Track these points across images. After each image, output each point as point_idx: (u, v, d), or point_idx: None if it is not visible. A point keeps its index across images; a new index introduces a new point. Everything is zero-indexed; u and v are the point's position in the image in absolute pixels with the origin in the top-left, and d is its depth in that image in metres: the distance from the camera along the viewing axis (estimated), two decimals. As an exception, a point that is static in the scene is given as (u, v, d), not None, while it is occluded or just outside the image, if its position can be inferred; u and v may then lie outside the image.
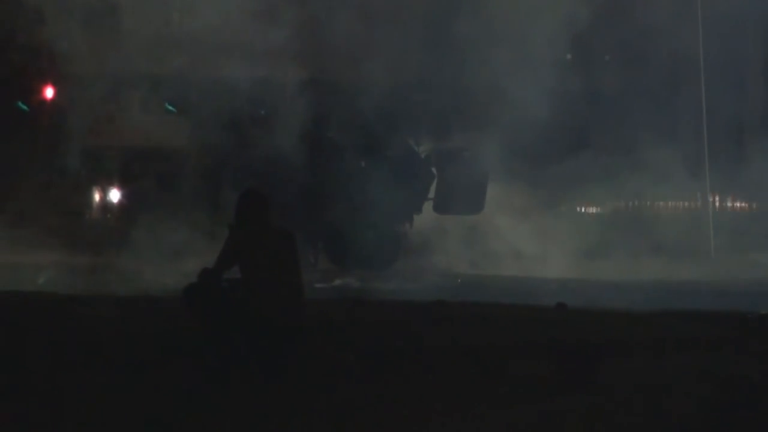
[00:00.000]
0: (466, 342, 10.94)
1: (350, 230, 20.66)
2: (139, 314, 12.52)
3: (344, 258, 21.19)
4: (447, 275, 20.06)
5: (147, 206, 19.99)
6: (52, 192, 20.87)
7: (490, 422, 7.83)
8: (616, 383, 8.96)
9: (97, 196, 21.54)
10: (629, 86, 22.19)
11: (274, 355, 9.62)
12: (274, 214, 10.02)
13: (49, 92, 20.80)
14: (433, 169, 21.73)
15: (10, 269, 17.99)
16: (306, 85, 20.38)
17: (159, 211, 19.40)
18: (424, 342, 10.95)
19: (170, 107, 21.15)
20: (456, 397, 8.51)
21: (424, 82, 20.97)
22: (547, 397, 8.46)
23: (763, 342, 11.08)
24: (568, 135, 21.02)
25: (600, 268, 20.43)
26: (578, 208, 24.37)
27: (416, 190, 21.43)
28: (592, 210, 24.31)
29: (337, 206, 20.56)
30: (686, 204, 23.25)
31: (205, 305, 9.76)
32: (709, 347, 10.73)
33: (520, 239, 21.02)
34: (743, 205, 24.49)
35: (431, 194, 21.66)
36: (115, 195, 21.37)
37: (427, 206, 21.70)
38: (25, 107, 20.92)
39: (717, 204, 24.40)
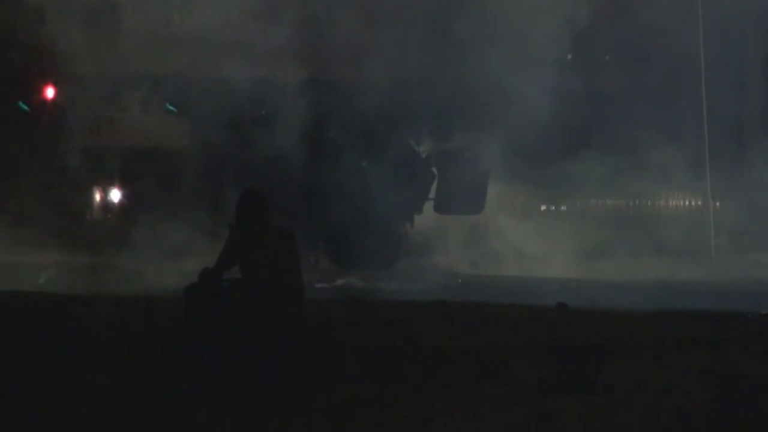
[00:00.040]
0: (466, 342, 10.94)
1: (351, 230, 20.65)
2: (139, 314, 12.52)
3: (345, 258, 21.19)
4: (447, 275, 20.05)
5: (147, 206, 19.98)
6: (53, 192, 20.86)
7: (490, 422, 7.83)
8: (616, 383, 8.96)
9: (97, 196, 21.54)
10: (629, 86, 22.19)
11: (274, 355, 9.62)
12: (274, 214, 10.03)
13: (49, 92, 20.79)
14: (434, 169, 21.72)
15: (11, 269, 17.99)
16: (306, 84, 20.37)
17: (159, 211, 19.40)
18: (424, 342, 10.96)
19: (171, 107, 21.14)
20: (456, 397, 8.51)
21: (424, 81, 20.97)
22: (547, 397, 8.46)
23: (764, 342, 11.08)
24: (568, 135, 21.02)
25: (600, 267, 20.43)
26: (579, 208, 24.37)
27: (417, 190, 21.43)
28: (593, 210, 24.30)
29: (338, 206, 20.55)
30: (686, 203, 23.24)
31: (205, 305, 9.78)
32: (710, 347, 10.73)
33: (521, 239, 21.03)
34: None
35: (432, 194, 21.65)
36: (115, 195, 21.36)
37: (428, 206, 21.68)
38: (25, 107, 20.92)
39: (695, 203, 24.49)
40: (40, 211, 20.39)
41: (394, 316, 12.73)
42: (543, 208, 24.11)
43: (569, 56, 21.49)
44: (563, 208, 24.05)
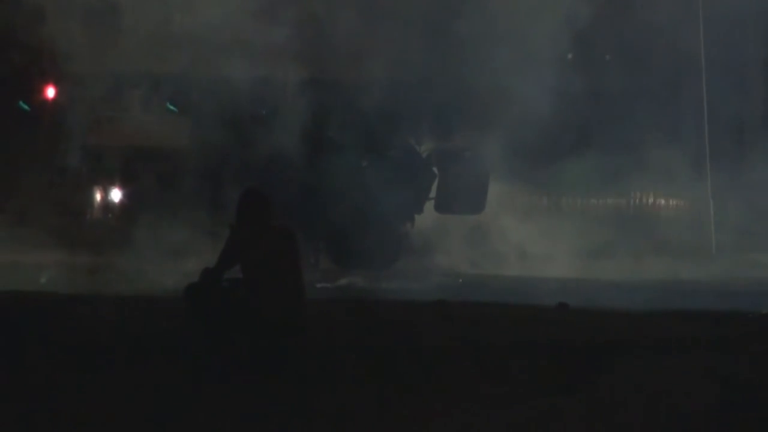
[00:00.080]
0: (466, 342, 10.94)
1: (351, 230, 20.65)
2: (139, 314, 12.52)
3: (345, 257, 21.18)
4: (448, 275, 20.05)
5: (148, 206, 19.98)
6: (53, 191, 20.86)
7: (490, 422, 7.83)
8: (616, 383, 8.96)
9: (98, 196, 21.54)
10: (630, 85, 22.19)
11: (275, 355, 9.62)
12: (274, 213, 10.03)
13: (50, 92, 20.79)
14: (434, 169, 21.72)
15: (11, 269, 18.00)
16: (307, 84, 20.37)
17: (160, 211, 19.39)
18: (424, 342, 10.95)
19: (171, 107, 21.14)
20: (456, 397, 8.51)
21: (425, 81, 20.96)
22: (547, 397, 8.46)
23: (764, 342, 11.08)
24: (568, 134, 21.02)
25: (601, 267, 20.43)
26: (579, 207, 24.36)
27: (417, 189, 21.42)
28: (593, 209, 24.30)
29: (338, 206, 20.55)
30: (681, 202, 23.24)
31: (205, 305, 9.78)
32: (710, 347, 10.73)
33: (521, 239, 21.02)
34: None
35: (432, 194, 21.64)
36: (116, 194, 21.36)
37: (428, 206, 21.68)
38: (26, 107, 20.92)
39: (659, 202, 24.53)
40: (41, 210, 20.40)
41: (395, 316, 12.73)
42: (543, 207, 24.09)
43: (569, 56, 21.48)
44: (564, 207, 24.04)
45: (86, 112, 20.31)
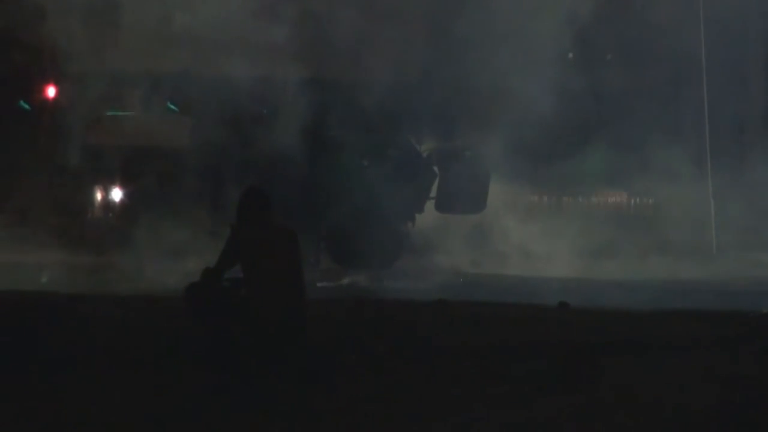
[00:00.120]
0: (467, 341, 10.94)
1: (352, 229, 20.65)
2: (140, 313, 12.53)
3: (346, 257, 21.18)
4: (449, 274, 20.05)
5: (148, 205, 19.98)
6: (54, 191, 20.85)
7: (490, 422, 7.83)
8: (617, 383, 8.96)
9: (98, 195, 21.53)
10: (630, 84, 22.18)
11: (275, 354, 9.63)
12: (275, 212, 10.03)
13: (51, 91, 20.79)
14: (435, 168, 21.71)
15: (12, 269, 18.00)
16: (307, 83, 20.36)
17: (161, 211, 19.39)
18: (425, 341, 10.96)
19: (172, 106, 21.14)
20: (456, 397, 8.51)
21: (425, 80, 20.95)
22: (547, 397, 8.46)
23: (765, 341, 11.08)
24: (569, 134, 21.02)
25: (602, 266, 20.43)
26: (580, 206, 24.36)
27: (418, 188, 21.41)
28: (594, 208, 24.31)
29: (339, 205, 20.55)
30: (682, 201, 23.20)
31: (206, 304, 9.78)
32: (711, 346, 10.73)
33: (522, 238, 21.02)
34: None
35: (433, 193, 21.64)
36: (116, 194, 21.36)
37: (429, 205, 21.68)
38: (26, 106, 20.92)
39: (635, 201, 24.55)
40: (41, 210, 20.40)
41: (395, 315, 12.74)
42: (544, 206, 24.09)
43: (570, 55, 21.48)
44: (564, 206, 24.03)
45: (86, 111, 20.30)
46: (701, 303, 14.34)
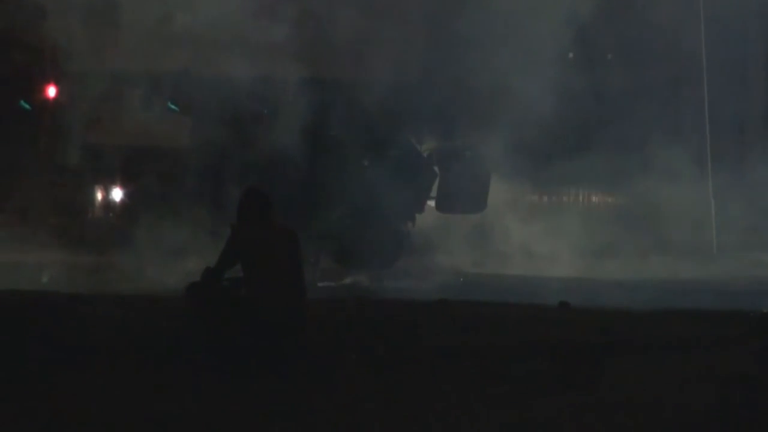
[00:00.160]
0: (467, 341, 10.94)
1: (352, 229, 20.64)
2: (140, 313, 12.52)
3: (346, 257, 21.17)
4: (449, 274, 20.04)
5: (149, 205, 19.98)
6: (54, 191, 20.86)
7: (490, 422, 7.83)
8: (617, 383, 8.96)
9: (99, 195, 21.54)
10: (631, 84, 22.17)
11: (275, 354, 9.62)
12: (276, 212, 10.03)
13: (51, 91, 20.79)
14: (435, 168, 21.71)
15: (12, 268, 18.00)
16: (308, 83, 20.35)
17: (161, 210, 19.39)
18: (425, 341, 10.96)
19: (173, 106, 21.14)
20: (456, 397, 8.51)
21: (425, 80, 20.95)
22: (548, 397, 8.46)
23: (765, 341, 11.07)
24: (569, 133, 21.01)
25: (602, 266, 20.42)
26: (580, 206, 24.36)
27: (418, 188, 21.40)
28: (594, 208, 24.30)
29: (340, 205, 20.54)
30: (683, 201, 23.20)
31: (206, 304, 9.77)
32: (711, 346, 10.72)
33: (522, 238, 21.02)
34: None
35: (433, 193, 21.63)
36: (117, 194, 21.37)
37: (429, 205, 21.67)
38: (27, 106, 20.92)
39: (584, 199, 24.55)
40: (42, 210, 20.40)
41: (396, 315, 12.73)
42: (544, 206, 24.08)
43: (570, 55, 21.47)
44: (565, 206, 24.03)
45: (87, 111, 20.30)
46: (701, 303, 14.34)
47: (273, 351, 9.64)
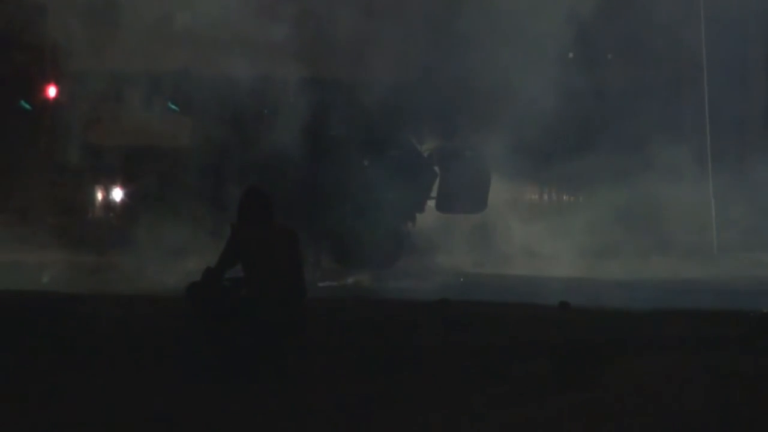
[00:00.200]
0: (468, 341, 10.94)
1: (353, 229, 20.64)
2: (141, 313, 12.53)
3: (347, 256, 21.17)
4: (449, 274, 20.04)
5: (149, 205, 19.98)
6: (55, 191, 20.86)
7: (491, 422, 7.83)
8: (618, 382, 8.95)
9: (99, 195, 21.55)
10: (631, 84, 22.17)
11: (276, 354, 9.62)
12: (276, 212, 10.02)
13: (51, 91, 20.80)
14: (436, 168, 21.72)
15: (13, 268, 18.00)
16: (308, 83, 20.36)
17: (161, 210, 19.40)
18: (426, 341, 10.96)
19: (173, 106, 21.14)
20: (456, 397, 8.51)
21: (426, 79, 20.95)
22: (548, 397, 8.46)
23: (765, 341, 11.07)
24: (570, 133, 21.01)
25: (603, 266, 20.41)
26: (580, 206, 24.35)
27: (419, 188, 21.41)
28: (595, 208, 24.29)
29: (340, 205, 20.55)
30: (683, 201, 23.19)
31: (207, 304, 9.77)
32: (711, 346, 10.72)
33: (523, 238, 21.02)
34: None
35: (434, 193, 21.64)
36: (117, 194, 21.37)
37: (430, 205, 21.68)
38: (27, 106, 20.93)
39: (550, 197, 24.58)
40: (42, 210, 20.41)
41: (396, 315, 12.73)
42: (544, 206, 24.08)
43: (571, 54, 21.47)
44: (565, 206, 24.03)
45: (87, 111, 20.31)
46: (701, 303, 14.33)
47: (273, 351, 9.64)
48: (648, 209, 22.46)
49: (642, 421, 7.84)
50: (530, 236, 21.01)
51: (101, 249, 20.29)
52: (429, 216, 21.63)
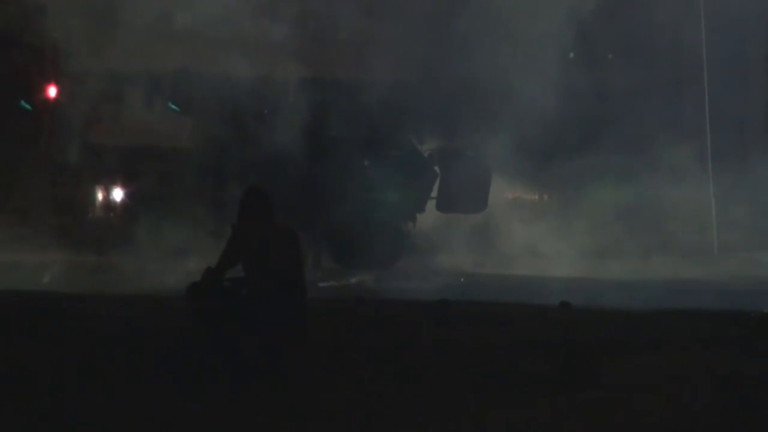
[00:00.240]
0: (468, 341, 10.94)
1: (353, 229, 20.65)
2: (141, 313, 12.52)
3: (347, 256, 21.18)
4: (450, 274, 20.04)
5: (149, 205, 19.99)
6: (55, 191, 20.88)
7: (491, 422, 7.83)
8: (619, 382, 8.95)
9: (99, 195, 21.55)
10: (632, 84, 22.17)
11: (276, 354, 9.62)
12: (276, 212, 10.02)
13: (51, 91, 20.80)
14: (436, 168, 21.72)
15: (13, 268, 18.00)
16: (309, 83, 20.37)
17: (162, 210, 19.40)
18: (426, 341, 10.96)
19: (173, 106, 21.15)
20: (457, 396, 8.51)
21: (426, 79, 20.96)
22: (548, 396, 8.46)
23: (765, 341, 11.08)
24: (570, 133, 21.01)
25: (603, 266, 20.41)
26: (581, 206, 24.34)
27: (419, 188, 21.42)
28: (595, 208, 24.29)
29: (341, 205, 20.55)
30: (683, 201, 23.20)
31: (207, 304, 9.77)
32: (712, 346, 10.72)
33: (523, 238, 21.01)
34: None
35: (434, 193, 21.64)
36: (118, 194, 21.38)
37: (430, 204, 21.68)
38: (28, 106, 20.94)
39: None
40: (42, 210, 20.42)
41: (396, 315, 12.73)
42: (545, 206, 24.08)
43: (571, 54, 21.48)
44: (566, 206, 24.01)
45: (87, 111, 20.32)
46: (702, 303, 14.33)
47: (274, 351, 9.64)
48: (648, 209, 22.47)
49: (642, 421, 7.84)
50: (530, 236, 21.01)
51: (101, 249, 20.30)
52: (429, 216, 21.63)
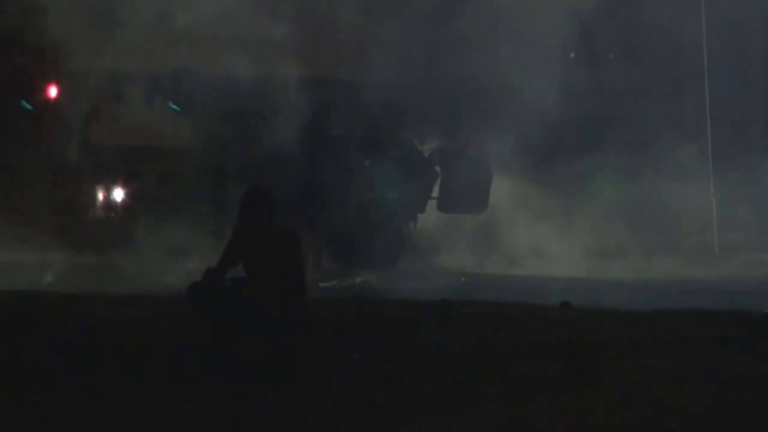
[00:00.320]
0: (469, 341, 10.94)
1: (354, 229, 20.65)
2: (142, 313, 12.52)
3: (348, 256, 21.17)
4: (451, 274, 20.04)
5: (150, 205, 19.99)
6: (55, 191, 20.87)
7: (491, 422, 7.83)
8: (619, 382, 8.95)
9: (99, 195, 21.54)
10: (633, 83, 22.17)
11: (277, 354, 9.62)
12: (277, 212, 10.02)
13: (52, 91, 20.80)
14: (437, 168, 21.72)
15: (12, 268, 18.00)
16: (309, 82, 20.37)
17: (162, 210, 19.40)
18: (427, 341, 10.96)
19: (173, 106, 21.14)
20: (457, 396, 8.51)
21: (427, 79, 20.96)
22: (549, 396, 8.45)
23: (766, 341, 11.08)
24: (571, 132, 21.01)
25: (604, 266, 20.41)
26: (582, 206, 24.34)
27: (420, 188, 21.41)
28: (596, 208, 24.29)
29: (341, 205, 20.55)
30: (684, 201, 23.19)
31: (208, 304, 9.77)
32: (712, 346, 10.72)
33: (524, 238, 21.01)
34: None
35: (435, 193, 21.64)
36: (118, 194, 21.37)
37: (431, 204, 21.67)
38: (28, 106, 20.93)
39: None
40: (42, 210, 20.41)
41: (398, 315, 12.73)
42: (546, 206, 24.06)
43: (572, 54, 21.47)
44: (567, 206, 24.01)
45: (88, 110, 20.32)
46: (702, 303, 14.32)
47: (274, 351, 9.64)
48: (649, 209, 22.46)
49: (642, 421, 7.83)
50: (531, 236, 21.01)
51: (101, 249, 20.30)
52: (430, 216, 21.63)
